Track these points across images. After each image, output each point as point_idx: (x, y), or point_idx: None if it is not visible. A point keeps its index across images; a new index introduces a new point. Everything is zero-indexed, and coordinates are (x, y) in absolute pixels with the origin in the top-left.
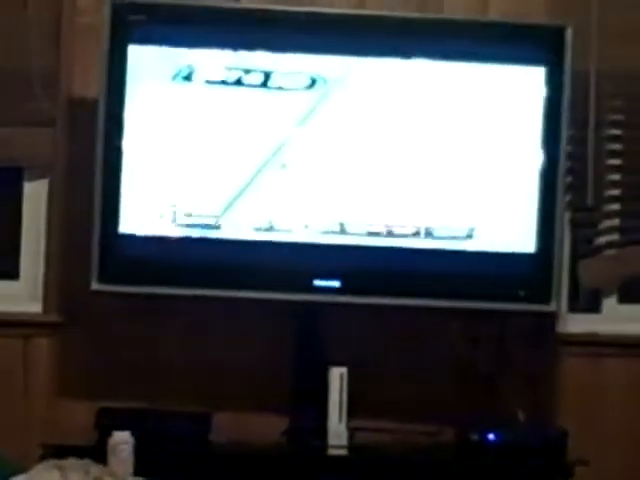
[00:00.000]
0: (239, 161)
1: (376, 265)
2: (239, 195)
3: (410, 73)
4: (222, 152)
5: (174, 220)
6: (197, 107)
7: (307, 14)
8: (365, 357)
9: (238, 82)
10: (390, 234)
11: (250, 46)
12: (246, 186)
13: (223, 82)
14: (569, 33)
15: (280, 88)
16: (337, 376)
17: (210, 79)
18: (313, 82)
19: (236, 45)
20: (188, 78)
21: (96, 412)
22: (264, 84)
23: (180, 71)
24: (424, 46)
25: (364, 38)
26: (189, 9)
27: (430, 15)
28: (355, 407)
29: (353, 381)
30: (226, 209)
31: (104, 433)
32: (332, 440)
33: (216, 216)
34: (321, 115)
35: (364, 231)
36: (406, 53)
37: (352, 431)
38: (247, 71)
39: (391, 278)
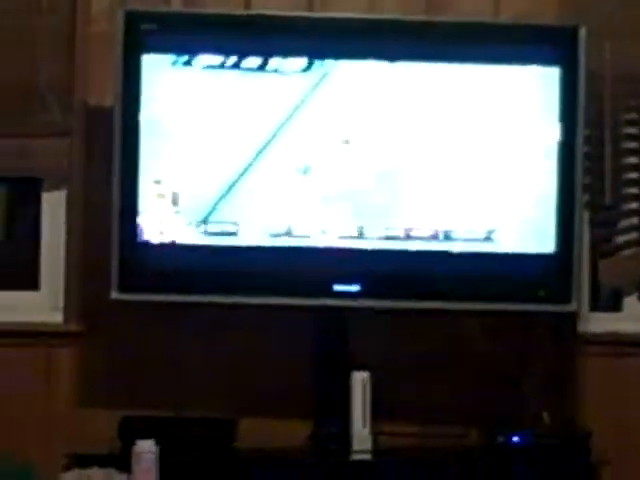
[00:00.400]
0: (255, 164)
1: (395, 269)
2: (258, 199)
3: (424, 76)
4: (237, 148)
5: (193, 228)
6: (198, 93)
7: (319, 20)
8: (387, 361)
9: (236, 66)
10: (409, 237)
11: (263, 53)
12: (264, 190)
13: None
14: (582, 32)
15: (276, 71)
16: (359, 381)
17: (209, 64)
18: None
19: (249, 52)
20: (188, 63)
21: (119, 421)
22: (262, 67)
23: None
24: (438, 49)
25: (375, 43)
26: (201, 17)
27: (443, 18)
28: (378, 411)
29: (376, 385)
30: (245, 214)
31: (128, 442)
32: (356, 445)
33: (234, 223)
34: (332, 112)
35: (383, 235)
36: (419, 56)
37: (376, 435)
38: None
39: (411, 281)
